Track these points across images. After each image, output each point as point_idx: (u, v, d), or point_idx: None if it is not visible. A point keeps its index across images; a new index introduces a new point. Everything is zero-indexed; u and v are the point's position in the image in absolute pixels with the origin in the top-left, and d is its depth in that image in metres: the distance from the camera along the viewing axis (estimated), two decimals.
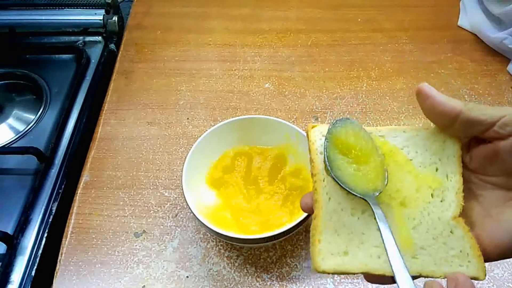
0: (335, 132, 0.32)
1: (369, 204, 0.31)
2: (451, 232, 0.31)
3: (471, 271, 0.29)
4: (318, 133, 0.34)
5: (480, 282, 0.47)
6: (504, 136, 0.28)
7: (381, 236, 0.29)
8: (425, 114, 0.31)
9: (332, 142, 0.32)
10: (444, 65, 0.71)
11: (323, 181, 0.33)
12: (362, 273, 0.30)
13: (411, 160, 0.33)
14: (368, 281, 0.31)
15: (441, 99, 0.30)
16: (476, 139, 0.31)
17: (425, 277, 0.30)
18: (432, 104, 0.30)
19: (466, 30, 0.76)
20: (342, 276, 0.49)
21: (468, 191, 0.32)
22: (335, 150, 0.32)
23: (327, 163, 0.31)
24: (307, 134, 0.35)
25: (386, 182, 0.31)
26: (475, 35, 0.75)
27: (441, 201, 0.32)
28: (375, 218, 0.30)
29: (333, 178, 0.31)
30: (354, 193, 0.31)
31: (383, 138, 0.34)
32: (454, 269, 0.30)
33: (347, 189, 0.31)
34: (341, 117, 0.33)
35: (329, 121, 0.36)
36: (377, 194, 0.31)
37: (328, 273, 0.30)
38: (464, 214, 0.31)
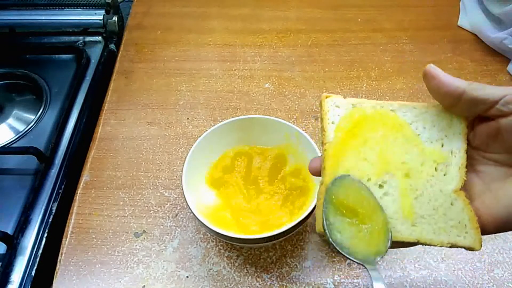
0: (334, 192, 0.32)
1: (367, 270, 0.30)
2: (451, 204, 0.32)
3: (468, 242, 0.31)
4: (332, 103, 0.35)
5: (480, 282, 0.47)
6: (506, 113, 0.29)
7: None
8: (431, 94, 0.32)
9: (332, 202, 0.32)
10: (444, 65, 0.71)
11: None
12: None
13: (418, 135, 0.34)
14: None
15: (447, 79, 0.31)
16: (480, 117, 0.32)
17: (422, 244, 0.31)
18: (438, 85, 0.31)
19: (466, 30, 0.76)
20: (342, 276, 0.49)
21: (470, 167, 0.33)
22: (335, 211, 0.31)
23: (325, 227, 0.31)
24: (321, 104, 0.36)
25: (389, 244, 0.31)
26: (475, 35, 0.75)
27: (444, 175, 0.33)
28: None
29: (331, 244, 0.30)
30: (353, 259, 0.30)
31: (394, 112, 0.35)
32: (451, 239, 0.31)
33: (346, 255, 0.30)
34: (340, 175, 0.33)
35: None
36: (379, 259, 0.30)
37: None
38: (465, 188, 0.32)
